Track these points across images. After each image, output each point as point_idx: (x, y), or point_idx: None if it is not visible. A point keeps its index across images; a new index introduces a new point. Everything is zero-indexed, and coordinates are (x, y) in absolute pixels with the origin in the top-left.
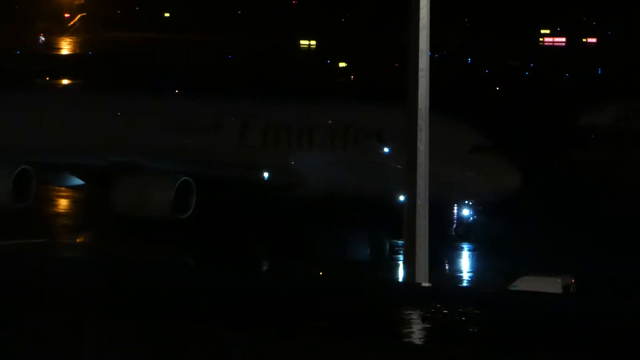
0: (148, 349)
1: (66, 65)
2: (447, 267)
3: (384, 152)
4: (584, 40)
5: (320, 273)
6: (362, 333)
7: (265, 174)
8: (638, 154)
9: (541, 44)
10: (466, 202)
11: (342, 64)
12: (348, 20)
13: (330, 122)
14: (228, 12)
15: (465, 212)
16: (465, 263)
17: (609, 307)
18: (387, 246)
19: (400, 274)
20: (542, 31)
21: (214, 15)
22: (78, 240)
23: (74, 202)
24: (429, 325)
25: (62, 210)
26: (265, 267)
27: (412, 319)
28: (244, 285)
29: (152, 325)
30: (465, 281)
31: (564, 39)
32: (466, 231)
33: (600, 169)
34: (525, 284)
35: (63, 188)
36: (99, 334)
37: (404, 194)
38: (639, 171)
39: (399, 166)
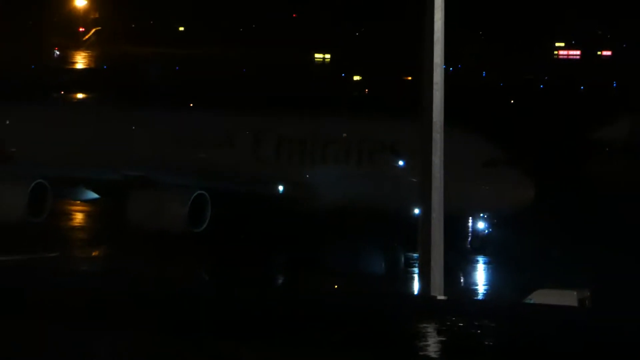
0: None
1: (81, 79)
2: (462, 280)
3: (398, 165)
4: (599, 53)
5: (335, 286)
6: (377, 345)
7: (280, 188)
8: None
9: (556, 57)
10: (481, 215)
11: (356, 77)
12: (362, 34)
13: (344, 135)
14: (242, 25)
15: (480, 225)
16: (480, 276)
17: (625, 321)
18: (402, 259)
19: (416, 287)
20: (557, 44)
21: (229, 29)
22: (93, 254)
23: (89, 215)
24: (444, 339)
25: (78, 224)
26: (280, 280)
27: (428, 332)
28: (259, 298)
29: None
30: (480, 294)
31: (578, 52)
32: (481, 244)
33: (615, 182)
34: (541, 297)
35: (78, 202)
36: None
37: (418, 207)
38: None
39: (413, 179)
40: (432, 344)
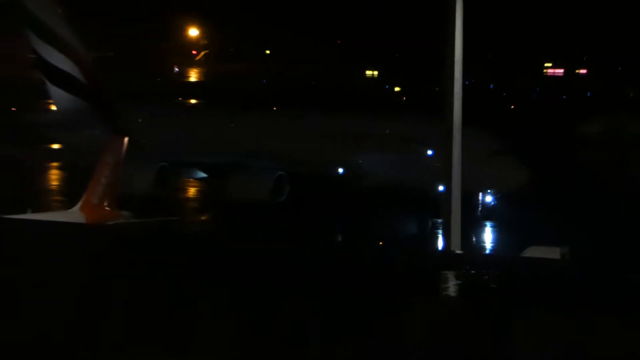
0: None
1: (194, 89)
2: (474, 240)
3: (427, 154)
4: (577, 71)
5: (380, 243)
6: (409, 287)
7: (340, 170)
8: (620, 156)
9: (545, 74)
10: (488, 192)
11: (397, 89)
12: (400, 55)
13: (387, 131)
14: (313, 48)
15: (488, 199)
16: (488, 236)
17: (593, 268)
18: (430, 223)
19: (440, 244)
20: (546, 64)
21: (304, 51)
22: (202, 218)
23: (199, 190)
24: (460, 282)
25: (191, 196)
26: (339, 238)
27: (448, 276)
28: (320, 250)
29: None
30: (488, 249)
31: (562, 70)
32: (488, 213)
33: (592, 167)
34: (533, 252)
35: (191, 180)
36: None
37: (442, 185)
38: (622, 168)
39: (438, 164)
40: (451, 285)
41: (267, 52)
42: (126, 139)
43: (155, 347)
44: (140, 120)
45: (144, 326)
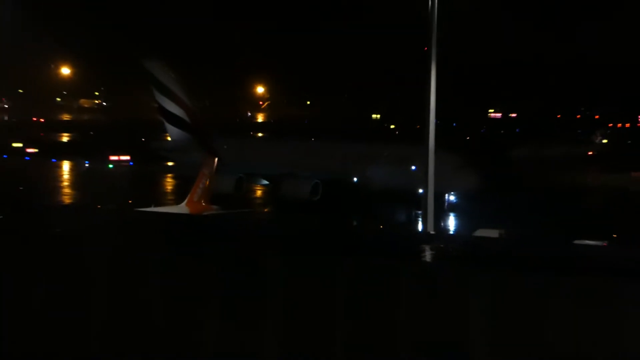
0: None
1: (260, 126)
2: (442, 225)
3: (412, 168)
4: (510, 115)
5: (381, 226)
6: (400, 254)
7: (355, 179)
8: (539, 169)
9: (489, 116)
10: (452, 193)
11: (392, 126)
12: (395, 97)
13: (386, 154)
14: (342, 95)
15: (452, 197)
16: (452, 223)
17: (521, 244)
18: (414, 214)
19: (420, 227)
20: (489, 110)
21: (329, 100)
22: (265, 210)
23: (263, 192)
24: (433, 252)
25: (257, 196)
26: (352, 223)
27: (425, 248)
28: (335, 229)
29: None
30: (451, 231)
31: (500, 114)
32: (452, 207)
33: (521, 176)
34: (481, 232)
35: (259, 185)
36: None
37: (421, 188)
38: (540, 178)
39: (419, 174)
40: (427, 254)
41: (308, 102)
42: (216, 159)
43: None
44: (225, 146)
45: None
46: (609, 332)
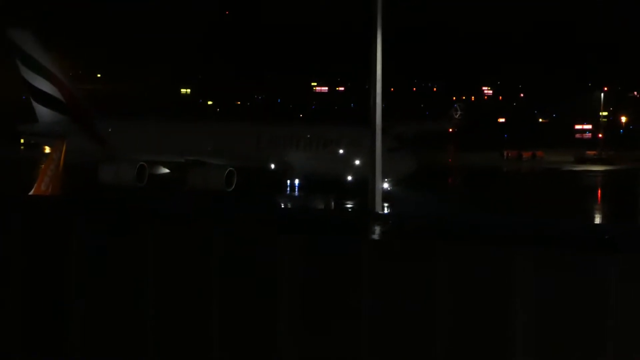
0: None
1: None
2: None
3: (339, 153)
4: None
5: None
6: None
7: (272, 165)
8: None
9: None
10: (386, 178)
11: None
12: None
13: (309, 135)
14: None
15: (385, 184)
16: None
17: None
18: (332, 202)
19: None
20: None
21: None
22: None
23: (165, 182)
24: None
25: (161, 186)
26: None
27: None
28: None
29: None
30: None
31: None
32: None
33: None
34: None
35: (159, 174)
36: None
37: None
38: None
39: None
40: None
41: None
42: (65, 142)
43: None
44: (110, 129)
45: None
46: None
